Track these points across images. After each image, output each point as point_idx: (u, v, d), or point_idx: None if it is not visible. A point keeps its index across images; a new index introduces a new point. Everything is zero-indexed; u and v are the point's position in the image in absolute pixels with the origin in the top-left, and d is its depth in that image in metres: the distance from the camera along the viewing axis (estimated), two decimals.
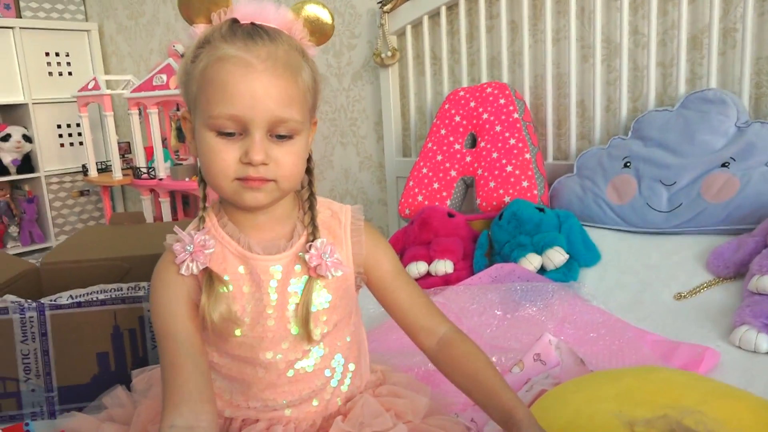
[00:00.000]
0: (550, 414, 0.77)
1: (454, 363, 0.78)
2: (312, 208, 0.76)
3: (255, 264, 0.72)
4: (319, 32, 0.73)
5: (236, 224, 0.74)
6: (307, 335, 0.73)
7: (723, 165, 1.42)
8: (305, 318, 0.72)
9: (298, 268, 0.74)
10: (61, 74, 3.36)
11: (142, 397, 0.85)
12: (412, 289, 0.81)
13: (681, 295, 1.27)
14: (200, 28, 0.69)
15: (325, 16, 0.74)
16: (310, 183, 0.77)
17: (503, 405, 0.71)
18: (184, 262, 0.70)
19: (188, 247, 0.71)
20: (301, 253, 0.73)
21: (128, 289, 1.04)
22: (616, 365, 1.05)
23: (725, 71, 1.58)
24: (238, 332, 0.73)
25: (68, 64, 3.39)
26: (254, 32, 0.66)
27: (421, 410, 0.80)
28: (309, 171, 0.77)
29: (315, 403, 0.77)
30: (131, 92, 2.67)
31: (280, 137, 0.68)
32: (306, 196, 0.77)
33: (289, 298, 0.73)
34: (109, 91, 2.82)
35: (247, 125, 0.66)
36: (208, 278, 0.71)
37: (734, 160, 1.41)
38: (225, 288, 0.71)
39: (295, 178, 0.71)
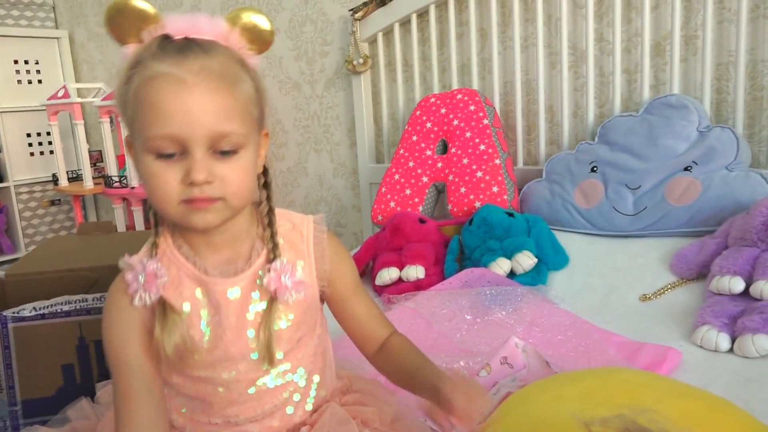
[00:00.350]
0: (514, 415, 0.78)
1: (388, 360, 0.79)
2: (271, 224, 0.73)
3: (212, 287, 0.70)
4: (259, 40, 0.70)
5: (192, 245, 0.71)
6: (269, 357, 0.70)
7: (685, 169, 1.45)
8: (267, 341, 0.70)
9: (256, 293, 0.71)
10: (30, 82, 3.31)
11: (107, 410, 0.83)
12: (369, 301, 0.81)
13: (646, 297, 1.30)
14: (131, 48, 0.65)
15: (262, 23, 0.70)
16: (269, 198, 0.74)
17: (428, 381, 0.72)
18: (136, 292, 0.68)
19: (140, 277, 0.68)
20: (261, 272, 0.70)
21: (94, 300, 1.03)
22: (582, 367, 1.06)
23: (687, 77, 1.62)
24: (196, 356, 0.70)
25: (38, 71, 3.34)
26: (186, 46, 0.63)
27: (387, 417, 0.80)
28: (267, 185, 0.74)
29: (278, 417, 0.76)
30: (102, 100, 2.65)
31: (224, 153, 0.64)
32: (265, 212, 0.74)
33: (249, 322, 0.71)
34: (79, 100, 2.79)
35: (185, 144, 0.62)
36: (162, 308, 0.68)
37: (696, 164, 1.44)
38: (179, 317, 0.69)
39: (244, 194, 0.68)
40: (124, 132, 0.72)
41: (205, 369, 0.72)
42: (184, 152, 0.63)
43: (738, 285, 1.14)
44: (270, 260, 0.71)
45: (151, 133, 0.62)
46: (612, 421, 0.61)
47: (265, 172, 0.75)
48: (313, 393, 0.79)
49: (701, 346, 1.09)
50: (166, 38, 0.64)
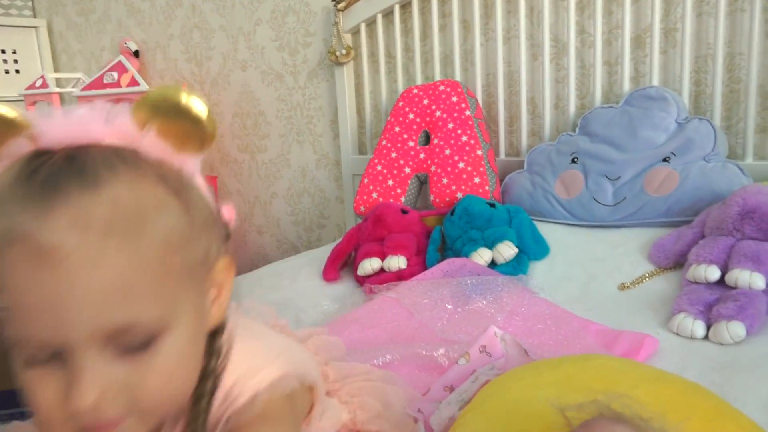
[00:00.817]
0: (492, 401, 0.79)
1: None
2: (205, 411, 0.49)
3: None
4: (196, 136, 0.45)
5: None
6: None
7: (664, 160, 1.47)
8: None
9: None
10: (7, 72, 3.25)
11: None
12: None
13: (624, 286, 1.31)
14: None
15: (194, 106, 0.44)
16: (213, 371, 0.49)
17: None
18: None
19: None
20: None
21: None
22: (560, 355, 1.07)
23: (667, 69, 1.63)
24: None
25: (15, 61, 3.28)
26: (59, 178, 0.40)
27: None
28: (213, 353, 0.50)
29: None
30: (81, 90, 2.61)
31: (132, 349, 0.42)
32: (201, 408, 0.49)
33: None
34: (58, 90, 2.75)
35: (64, 347, 0.41)
36: None
37: (674, 155, 1.46)
38: None
39: (170, 400, 0.46)
40: None
41: None
42: (66, 358, 0.41)
43: (714, 273, 1.16)
44: None
45: (10, 331, 0.41)
46: (587, 407, 0.62)
47: (216, 329, 0.50)
48: None
49: (677, 334, 1.11)
50: (38, 162, 0.41)
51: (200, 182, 0.48)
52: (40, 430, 0.45)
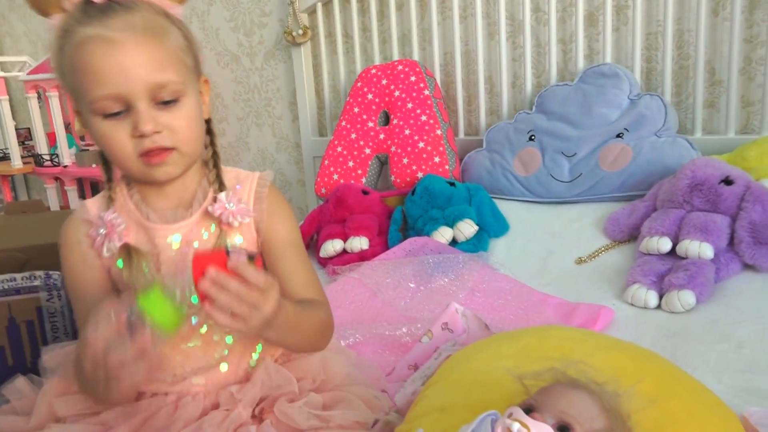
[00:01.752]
0: (455, 373, 0.80)
1: None
2: (216, 165, 0.77)
3: (153, 233, 0.73)
4: None
5: (143, 195, 0.75)
6: None
7: (618, 136, 1.50)
8: None
9: (205, 235, 0.74)
10: None
11: (51, 375, 0.80)
12: (297, 260, 0.80)
13: (581, 260, 1.35)
14: (56, 19, 0.67)
15: None
16: (212, 143, 0.78)
17: None
18: (102, 245, 0.72)
19: (101, 231, 0.73)
20: (209, 208, 0.74)
21: (23, 279, 0.99)
22: (520, 328, 1.10)
23: (619, 46, 1.66)
24: None
25: None
26: (107, 7, 0.65)
27: (320, 377, 0.80)
28: (209, 131, 0.78)
29: (224, 368, 0.77)
30: (28, 74, 2.51)
31: (166, 103, 0.67)
32: (209, 155, 0.78)
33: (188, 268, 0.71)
34: (2, 74, 2.64)
35: (127, 100, 0.65)
36: (126, 252, 0.72)
37: (627, 131, 1.49)
38: (144, 258, 0.72)
39: (194, 140, 0.72)
40: (71, 103, 0.72)
41: None
42: (128, 108, 0.66)
43: (665, 245, 1.20)
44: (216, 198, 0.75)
45: (92, 95, 0.65)
46: (544, 375, 0.64)
47: (208, 119, 0.77)
48: (259, 348, 0.80)
49: (632, 304, 1.15)
50: (87, 3, 0.66)
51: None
52: (117, 161, 0.70)
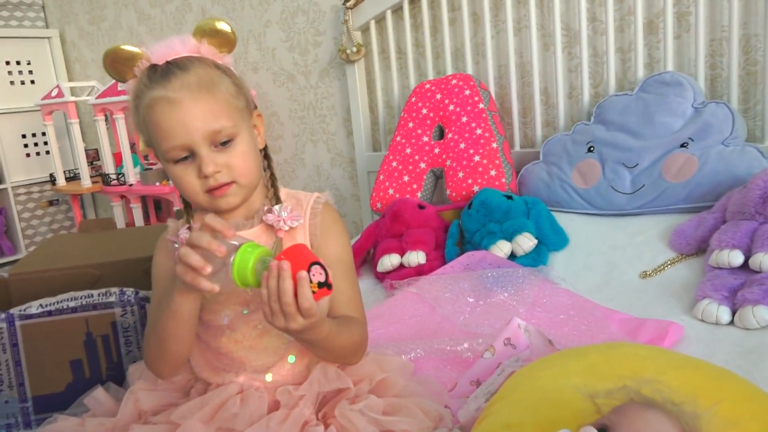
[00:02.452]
0: (520, 390, 0.79)
1: None
2: (273, 185, 0.87)
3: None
4: (226, 42, 0.83)
5: (218, 213, 0.85)
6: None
7: (682, 145, 1.46)
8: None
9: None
10: (23, 83, 3.30)
11: (137, 379, 0.89)
12: (342, 278, 0.85)
13: (646, 274, 1.31)
14: (131, 84, 0.81)
15: (223, 27, 0.83)
16: (269, 166, 0.89)
17: None
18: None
19: (176, 245, 0.86)
20: (264, 217, 0.84)
21: (99, 296, 1.04)
22: (584, 344, 1.07)
23: (681, 54, 1.62)
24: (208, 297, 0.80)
25: (30, 72, 3.33)
26: (167, 71, 0.77)
27: (376, 378, 0.85)
28: (266, 156, 0.89)
29: (291, 360, 0.84)
30: (96, 98, 2.64)
31: (224, 143, 0.78)
32: (267, 176, 0.88)
33: None
34: (73, 98, 2.78)
35: (191, 148, 0.77)
36: None
37: (692, 140, 1.45)
38: None
39: (250, 172, 0.82)
40: (143, 145, 0.89)
41: (213, 313, 0.83)
42: (193, 153, 0.78)
43: (737, 258, 1.15)
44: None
45: (163, 147, 0.78)
46: (616, 393, 0.62)
47: (264, 147, 0.89)
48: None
49: (702, 320, 1.10)
50: (152, 68, 0.78)
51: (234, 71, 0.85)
52: (188, 197, 0.82)
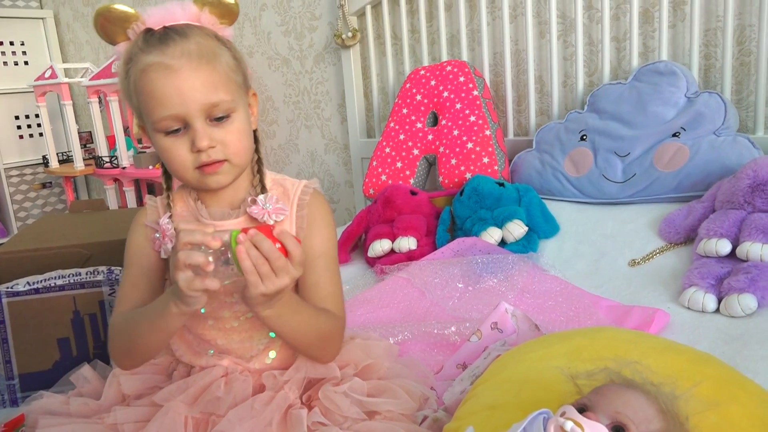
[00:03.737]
0: (505, 372, 0.79)
1: None
2: (260, 171, 0.84)
3: (205, 228, 0.78)
4: (228, 13, 0.78)
5: (200, 195, 0.84)
6: None
7: (674, 135, 1.46)
8: None
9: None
10: (17, 63, 3.28)
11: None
12: (324, 272, 0.83)
13: (635, 262, 1.31)
14: (122, 47, 0.76)
15: None
16: (257, 150, 0.84)
17: None
18: (160, 247, 0.82)
19: (157, 235, 0.82)
20: (248, 209, 0.80)
21: (87, 274, 1.04)
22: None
23: (676, 44, 1.62)
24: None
25: (24, 53, 3.30)
26: (165, 35, 0.73)
27: (361, 364, 0.84)
28: (255, 139, 0.84)
29: (272, 355, 0.83)
30: (90, 80, 2.63)
31: (219, 119, 0.74)
32: (254, 161, 0.84)
33: None
34: (67, 80, 2.76)
35: (185, 119, 0.73)
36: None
37: (684, 129, 1.45)
38: None
39: (244, 152, 0.78)
40: (134, 118, 0.83)
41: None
42: (186, 126, 0.73)
43: (725, 247, 1.16)
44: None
45: (155, 116, 0.73)
46: (597, 374, 0.63)
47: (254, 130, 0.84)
48: None
49: (688, 308, 1.11)
50: (148, 31, 0.74)
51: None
52: (176, 172, 0.77)
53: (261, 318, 0.73)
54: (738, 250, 1.14)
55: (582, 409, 0.56)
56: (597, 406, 0.57)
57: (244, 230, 0.68)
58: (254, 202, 0.80)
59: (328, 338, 0.81)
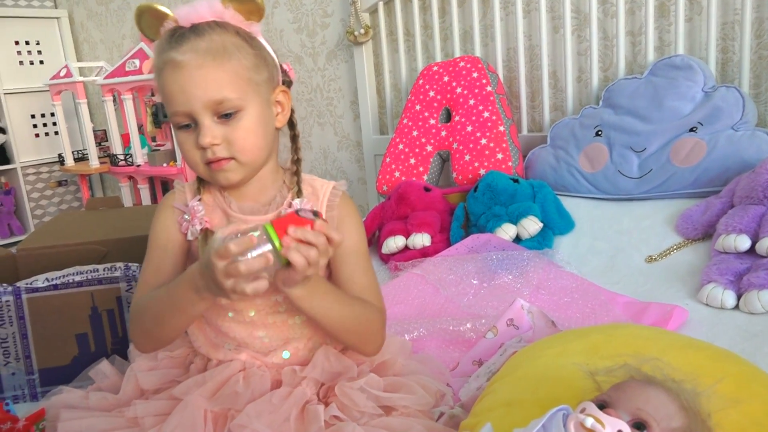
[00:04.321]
0: (522, 369, 0.79)
1: None
2: (297, 173, 0.84)
3: (234, 220, 0.80)
4: (255, 9, 0.78)
5: (227, 190, 0.84)
6: None
7: (691, 130, 1.44)
8: None
9: None
10: (32, 63, 3.31)
11: (139, 357, 0.88)
12: (357, 267, 0.83)
13: (652, 258, 1.30)
14: (155, 44, 0.79)
15: None
16: (295, 150, 0.85)
17: None
18: (187, 229, 0.82)
19: (186, 217, 0.82)
20: (283, 211, 0.80)
21: (104, 270, 1.05)
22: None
23: (692, 37, 1.60)
24: None
25: (39, 52, 3.33)
26: (182, 34, 0.74)
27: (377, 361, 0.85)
28: (294, 138, 0.85)
29: (286, 355, 0.83)
30: (104, 78, 2.64)
31: (227, 116, 0.75)
32: (292, 161, 0.85)
33: None
34: (81, 79, 2.78)
35: (192, 116, 0.75)
36: (204, 236, 0.80)
37: (701, 124, 1.43)
38: None
39: (253, 150, 0.78)
40: (151, 125, 0.86)
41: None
42: (195, 122, 0.75)
43: (744, 243, 1.14)
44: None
45: (169, 111, 0.76)
46: (617, 371, 0.62)
47: (291, 126, 0.86)
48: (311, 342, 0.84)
49: (707, 304, 1.10)
50: (173, 29, 0.76)
51: (264, 42, 0.80)
52: (189, 167, 0.79)
53: (293, 298, 0.73)
54: (758, 246, 1.13)
55: (602, 406, 0.56)
56: (617, 403, 0.57)
57: (279, 229, 0.67)
58: (290, 205, 0.81)
59: (367, 327, 0.80)
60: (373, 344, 0.82)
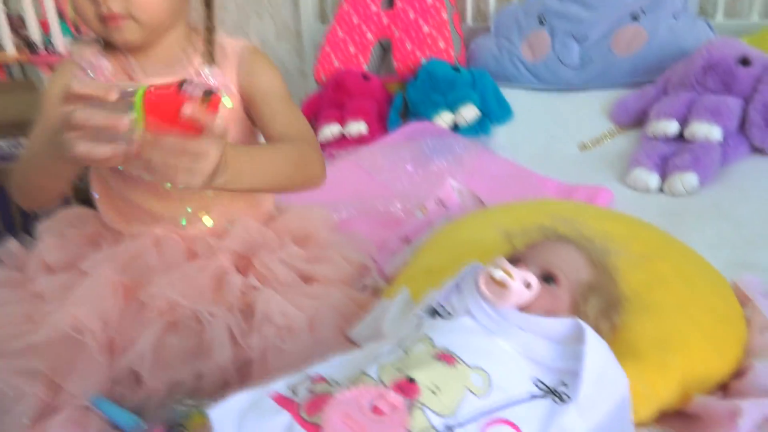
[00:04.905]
0: (445, 239, 0.79)
1: None
2: (210, 41, 0.76)
3: (137, 80, 0.74)
4: None
5: (131, 51, 0.76)
6: None
7: (634, 18, 1.41)
8: None
9: None
10: None
11: (46, 235, 0.82)
12: (278, 106, 0.78)
13: (585, 146, 1.31)
14: None
15: None
16: (209, 16, 0.77)
17: None
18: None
19: (90, 74, 0.75)
20: (194, 80, 0.70)
21: (8, 147, 0.97)
22: None
23: None
24: None
25: None
26: None
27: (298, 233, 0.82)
28: (208, 4, 0.77)
29: (208, 222, 0.79)
30: None
31: None
32: (204, 26, 0.77)
33: None
34: None
35: None
36: None
37: (644, 12, 1.41)
38: None
39: (154, 9, 0.70)
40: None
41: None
42: None
43: (672, 126, 1.15)
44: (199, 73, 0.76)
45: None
46: (532, 231, 0.62)
47: None
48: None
49: (634, 188, 1.12)
50: None
51: None
52: (81, 21, 0.72)
53: (219, 188, 0.62)
54: (686, 131, 1.14)
55: (514, 260, 0.56)
56: (529, 259, 0.57)
57: (149, 108, 0.55)
58: (198, 74, 0.75)
59: (304, 161, 0.75)
60: (316, 174, 0.78)
